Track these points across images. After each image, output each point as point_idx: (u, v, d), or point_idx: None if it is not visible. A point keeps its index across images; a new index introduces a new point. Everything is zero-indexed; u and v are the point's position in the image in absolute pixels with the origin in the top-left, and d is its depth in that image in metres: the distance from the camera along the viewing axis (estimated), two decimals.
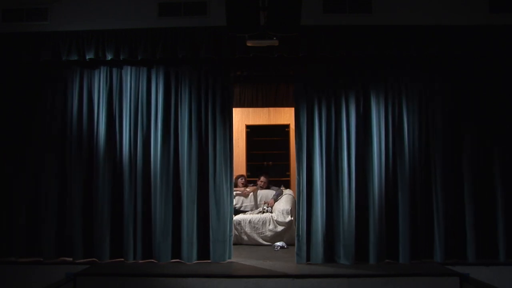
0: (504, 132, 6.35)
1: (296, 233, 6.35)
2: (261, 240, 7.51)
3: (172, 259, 6.26)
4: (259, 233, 7.50)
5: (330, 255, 6.21)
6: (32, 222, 6.39)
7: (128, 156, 6.38)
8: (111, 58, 6.26)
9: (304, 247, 6.22)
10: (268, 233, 7.52)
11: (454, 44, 6.11)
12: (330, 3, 6.24)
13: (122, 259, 6.28)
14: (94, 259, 6.28)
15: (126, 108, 6.45)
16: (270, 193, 8.64)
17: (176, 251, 6.28)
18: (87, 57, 6.24)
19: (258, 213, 7.95)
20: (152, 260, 6.27)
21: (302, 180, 6.30)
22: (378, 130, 6.29)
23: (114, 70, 6.50)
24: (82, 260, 6.23)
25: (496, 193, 6.25)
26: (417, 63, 6.39)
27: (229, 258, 6.31)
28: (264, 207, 8.11)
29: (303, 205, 6.27)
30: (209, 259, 6.27)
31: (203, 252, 6.29)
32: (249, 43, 5.36)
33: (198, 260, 6.26)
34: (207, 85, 6.45)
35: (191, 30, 6.21)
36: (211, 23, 6.19)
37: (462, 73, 6.40)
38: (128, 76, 6.49)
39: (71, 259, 6.27)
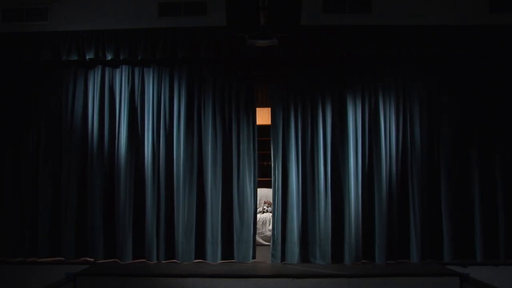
0: (490, 132, 6.32)
1: (271, 233, 6.37)
2: (261, 240, 7.49)
3: (195, 259, 6.27)
4: (259, 233, 7.48)
5: (305, 255, 6.23)
6: (53, 222, 6.36)
7: (151, 156, 6.36)
8: (111, 58, 6.27)
9: (279, 247, 6.23)
10: (268, 233, 7.50)
11: (454, 44, 6.12)
12: (330, 3, 6.25)
13: (144, 260, 6.27)
14: (116, 259, 6.27)
15: (148, 108, 6.42)
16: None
17: (200, 252, 6.28)
18: (87, 57, 6.26)
19: (258, 213, 7.94)
20: (175, 261, 6.26)
21: (277, 179, 6.31)
22: (354, 131, 6.28)
23: (136, 70, 6.47)
24: (103, 261, 6.23)
25: (473, 193, 6.23)
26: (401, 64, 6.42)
27: (253, 258, 6.30)
28: (264, 207, 8.10)
29: (278, 205, 6.28)
30: (233, 259, 6.26)
31: (228, 252, 6.29)
32: (249, 43, 5.36)
33: (222, 260, 6.26)
34: (231, 85, 6.45)
35: (191, 30, 6.22)
36: (211, 23, 6.20)
37: (461, 73, 6.40)
38: (150, 76, 6.46)
39: (92, 259, 6.27)
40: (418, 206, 6.18)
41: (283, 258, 6.21)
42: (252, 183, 6.36)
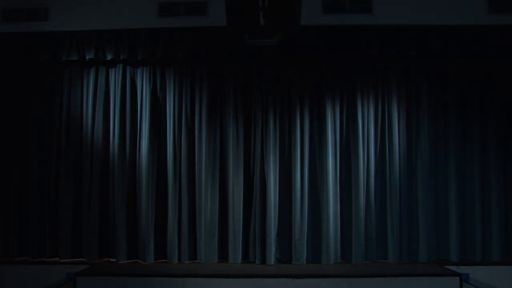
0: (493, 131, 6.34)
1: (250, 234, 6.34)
2: None
3: (218, 260, 6.29)
4: None
5: (281, 255, 6.25)
6: (75, 224, 6.38)
7: (172, 155, 6.35)
8: (111, 58, 6.28)
9: (259, 248, 6.22)
10: None
11: (454, 44, 6.13)
12: (330, 3, 6.24)
13: (166, 261, 6.29)
14: (137, 260, 6.28)
15: (169, 108, 6.42)
16: None
17: (222, 252, 6.30)
18: (87, 57, 6.27)
19: None
20: (197, 261, 6.27)
21: (256, 180, 6.31)
22: (333, 130, 6.31)
23: (158, 70, 6.46)
24: (125, 261, 6.25)
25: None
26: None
27: (277, 261, 6.26)
28: None
29: (257, 206, 6.28)
30: (253, 261, 6.25)
31: (248, 253, 6.30)
32: (249, 43, 5.36)
33: (243, 261, 6.26)
34: (252, 83, 6.43)
35: (191, 30, 6.22)
36: (211, 23, 6.20)
37: (460, 73, 6.40)
38: (171, 76, 6.45)
39: (114, 260, 6.30)
40: (395, 209, 6.20)
41: (262, 259, 6.19)
42: (277, 182, 6.30)
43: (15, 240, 6.40)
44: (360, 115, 6.34)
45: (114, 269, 6.00)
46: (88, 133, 6.45)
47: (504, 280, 5.91)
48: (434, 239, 6.26)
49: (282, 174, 6.34)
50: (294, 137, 6.34)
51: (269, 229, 6.18)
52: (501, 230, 6.21)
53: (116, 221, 6.30)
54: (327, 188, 6.23)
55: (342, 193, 6.32)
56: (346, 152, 6.37)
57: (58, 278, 5.64)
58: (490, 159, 6.31)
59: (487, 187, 6.29)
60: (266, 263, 6.14)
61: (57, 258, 6.33)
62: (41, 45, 6.28)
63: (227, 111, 6.42)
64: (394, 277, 5.59)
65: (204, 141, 6.37)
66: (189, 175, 6.37)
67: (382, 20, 6.20)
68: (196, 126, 6.41)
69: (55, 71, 6.53)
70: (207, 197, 6.31)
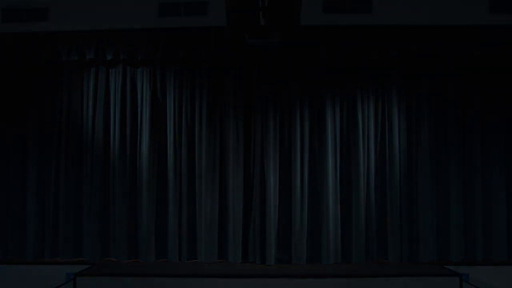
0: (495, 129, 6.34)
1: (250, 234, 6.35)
2: None
3: (218, 259, 6.29)
4: None
5: (282, 256, 6.24)
6: (75, 224, 6.38)
7: (172, 156, 6.36)
8: (111, 58, 6.29)
9: (258, 249, 6.21)
10: None
11: (454, 44, 6.13)
12: (330, 3, 6.25)
13: (166, 260, 6.30)
14: (138, 260, 6.29)
15: (169, 108, 6.42)
16: None
17: (222, 252, 6.30)
18: (87, 57, 6.28)
19: None
20: (197, 261, 6.28)
21: (255, 181, 6.31)
22: (333, 130, 6.31)
23: (158, 70, 6.46)
24: (125, 261, 6.25)
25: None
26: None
27: (278, 261, 6.26)
28: None
29: (256, 207, 6.27)
30: (253, 261, 6.24)
31: (247, 253, 6.29)
32: (249, 43, 5.36)
33: (243, 261, 6.25)
34: (252, 83, 6.43)
35: (191, 30, 6.23)
36: (211, 23, 6.20)
37: (461, 74, 6.39)
38: (171, 76, 6.45)
39: (114, 260, 6.31)
40: (396, 207, 6.21)
41: (262, 259, 6.18)
42: (278, 182, 6.29)
43: (14, 240, 6.39)
44: (360, 115, 6.35)
45: (114, 269, 6.00)
46: (88, 133, 6.45)
47: (505, 280, 5.91)
48: (434, 239, 6.25)
49: (282, 174, 6.33)
50: (294, 137, 6.34)
51: (269, 229, 6.18)
52: (502, 230, 6.21)
53: (116, 221, 6.31)
54: (327, 188, 6.23)
55: (342, 193, 6.32)
56: (346, 152, 6.37)
57: (58, 278, 5.66)
58: (491, 158, 6.31)
59: (487, 186, 6.29)
60: (266, 263, 6.14)
61: (57, 258, 6.33)
62: (41, 45, 6.28)
63: (227, 111, 6.42)
64: (394, 277, 5.59)
65: (204, 141, 6.37)
66: (189, 175, 6.38)
67: (382, 20, 6.20)
68: (196, 126, 6.41)
69: (55, 71, 6.53)
70: (207, 197, 6.31)
